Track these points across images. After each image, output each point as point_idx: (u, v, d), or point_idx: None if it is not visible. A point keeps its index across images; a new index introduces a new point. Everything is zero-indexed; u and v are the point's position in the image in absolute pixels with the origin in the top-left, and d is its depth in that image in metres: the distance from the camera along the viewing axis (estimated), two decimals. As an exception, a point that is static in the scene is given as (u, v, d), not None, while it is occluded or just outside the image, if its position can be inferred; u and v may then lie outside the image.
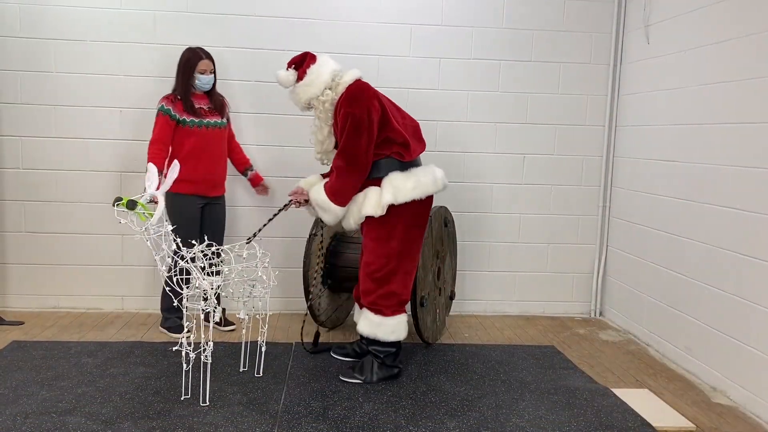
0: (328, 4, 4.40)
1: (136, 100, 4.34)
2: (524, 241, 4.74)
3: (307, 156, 4.46)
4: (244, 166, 4.21)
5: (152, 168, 2.89)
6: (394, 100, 3.57)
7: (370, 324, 3.33)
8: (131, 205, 2.77)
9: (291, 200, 3.46)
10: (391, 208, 3.24)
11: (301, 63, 3.34)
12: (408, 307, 3.59)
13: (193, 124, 3.84)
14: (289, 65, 3.35)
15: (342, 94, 3.25)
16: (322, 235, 4.00)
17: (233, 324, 4.14)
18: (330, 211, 3.30)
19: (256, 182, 4.26)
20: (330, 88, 3.27)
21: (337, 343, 3.88)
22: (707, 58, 3.60)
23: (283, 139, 4.47)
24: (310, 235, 4.00)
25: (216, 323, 4.06)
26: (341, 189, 3.26)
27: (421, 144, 3.43)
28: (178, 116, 3.81)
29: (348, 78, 3.28)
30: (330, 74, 3.28)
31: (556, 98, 4.63)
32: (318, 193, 3.31)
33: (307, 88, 3.29)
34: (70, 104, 4.32)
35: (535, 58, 4.58)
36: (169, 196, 3.79)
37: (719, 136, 3.48)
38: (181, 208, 3.83)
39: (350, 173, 3.22)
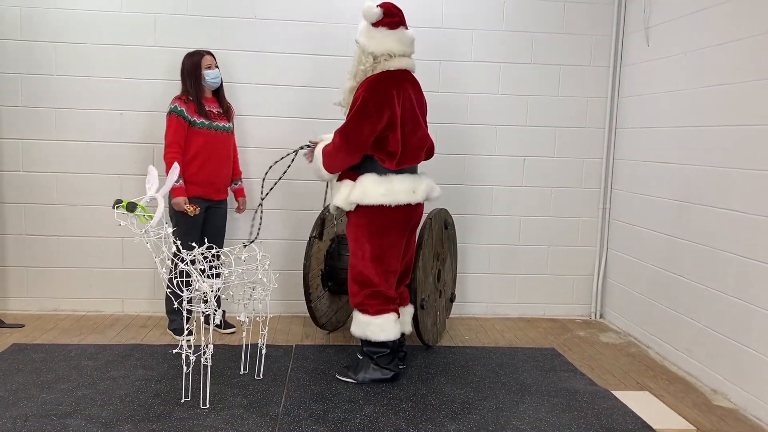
0: (328, 6, 4.40)
1: (137, 102, 4.35)
2: (524, 243, 4.73)
3: (308, 158, 4.48)
4: (234, 177, 4.19)
5: (152, 170, 2.90)
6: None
7: (359, 324, 3.34)
8: (131, 207, 2.77)
9: (309, 144, 3.46)
10: (364, 209, 3.26)
11: (388, 15, 3.23)
12: (410, 310, 3.60)
13: (203, 125, 3.84)
14: (381, 6, 3.24)
15: (373, 75, 3.21)
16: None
17: (233, 326, 4.14)
18: (319, 170, 3.35)
19: (238, 195, 4.21)
20: (375, 59, 3.21)
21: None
22: (707, 60, 3.60)
23: (284, 142, 4.47)
24: (310, 238, 4.00)
25: (216, 326, 4.06)
26: (333, 157, 3.28)
27: (418, 159, 3.38)
28: (190, 117, 3.81)
29: (393, 64, 3.23)
30: (386, 51, 3.21)
31: (556, 100, 4.63)
32: (320, 149, 3.35)
33: (368, 39, 3.22)
34: (71, 107, 4.32)
35: (535, 61, 4.58)
36: (170, 195, 3.80)
37: (719, 138, 3.48)
38: (174, 207, 3.82)
39: (343, 151, 3.22)
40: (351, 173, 3.31)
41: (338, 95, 3.42)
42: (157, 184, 2.87)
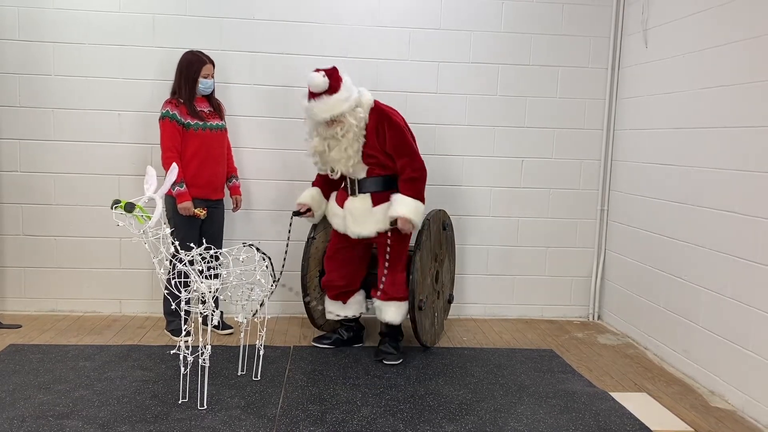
0: (327, 7, 4.40)
1: (135, 103, 4.35)
2: (522, 245, 4.74)
3: (309, 161, 4.47)
4: (229, 173, 4.17)
5: (151, 170, 2.89)
6: (392, 104, 3.84)
7: (403, 313, 3.71)
8: (129, 207, 2.76)
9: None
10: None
11: (332, 75, 3.46)
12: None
13: (197, 127, 3.83)
14: (322, 73, 3.46)
15: (371, 114, 3.55)
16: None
17: (231, 327, 4.14)
18: (418, 213, 3.58)
19: (234, 193, 4.19)
20: (359, 106, 3.53)
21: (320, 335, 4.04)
22: (705, 61, 3.61)
23: (282, 143, 4.47)
24: (308, 239, 4.00)
25: (214, 326, 4.06)
26: (423, 188, 3.63)
27: None
28: (183, 120, 3.80)
29: (367, 98, 3.58)
30: (356, 92, 3.55)
31: (555, 102, 4.63)
32: (415, 207, 3.55)
33: (343, 102, 3.46)
34: (69, 107, 4.31)
35: (534, 62, 4.59)
36: (171, 199, 3.79)
37: (717, 139, 3.49)
38: (182, 212, 3.81)
39: (424, 176, 3.62)
40: (383, 193, 3.66)
41: (342, 161, 3.59)
42: (156, 185, 2.87)
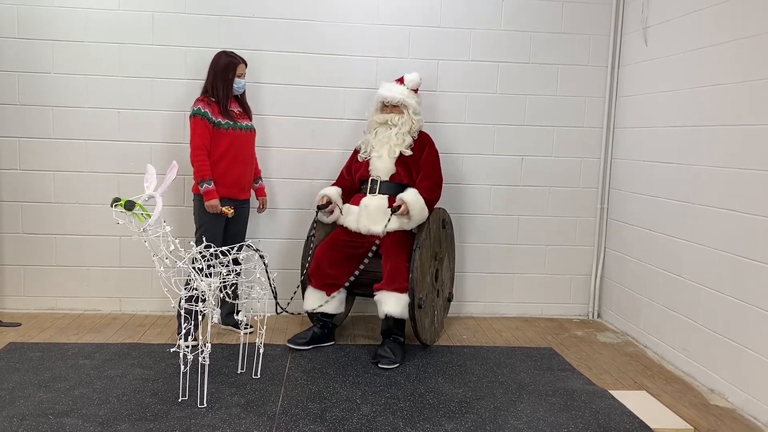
0: (327, 5, 4.40)
1: (134, 101, 4.34)
2: (522, 243, 4.74)
3: (307, 158, 4.47)
4: (255, 175, 4.18)
5: (150, 169, 2.89)
6: None
7: (405, 305, 3.67)
8: (129, 205, 2.76)
9: (398, 209, 3.80)
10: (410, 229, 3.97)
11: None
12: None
13: (228, 126, 3.80)
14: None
15: (421, 133, 4.07)
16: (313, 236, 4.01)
17: (250, 326, 4.04)
18: (423, 218, 3.84)
19: (259, 194, 4.21)
20: (419, 116, 4.05)
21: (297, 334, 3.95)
22: (705, 60, 3.61)
23: (282, 141, 4.47)
24: (307, 237, 4.00)
25: (233, 325, 4.06)
26: (435, 203, 3.98)
27: None
28: (214, 119, 3.77)
29: (422, 120, 4.11)
30: (420, 114, 4.11)
31: (554, 100, 4.63)
32: (421, 207, 3.83)
33: (413, 102, 4.01)
34: (68, 105, 4.31)
35: (534, 60, 4.59)
36: (199, 196, 3.78)
37: (716, 137, 3.49)
38: (209, 210, 3.78)
39: (438, 197, 4.00)
40: None
41: (394, 139, 3.97)
42: (156, 183, 2.87)
